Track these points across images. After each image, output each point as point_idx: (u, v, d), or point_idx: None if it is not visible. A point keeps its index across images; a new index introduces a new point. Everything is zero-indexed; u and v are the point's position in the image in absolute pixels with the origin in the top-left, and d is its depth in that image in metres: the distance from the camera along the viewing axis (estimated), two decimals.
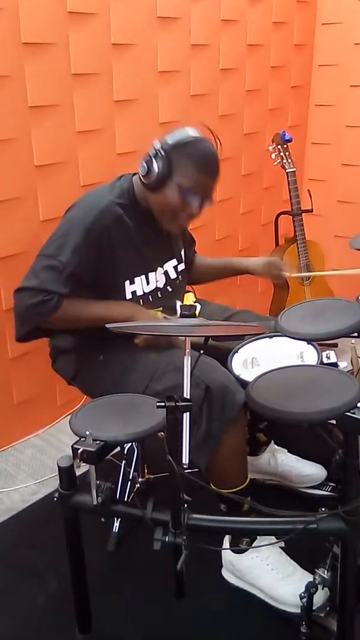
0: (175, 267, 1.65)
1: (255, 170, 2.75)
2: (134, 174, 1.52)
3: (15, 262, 1.83)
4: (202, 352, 1.35)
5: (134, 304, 1.50)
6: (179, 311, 1.65)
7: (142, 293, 1.53)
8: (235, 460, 1.42)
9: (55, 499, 1.19)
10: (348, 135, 2.82)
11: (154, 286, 1.56)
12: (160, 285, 1.58)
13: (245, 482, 1.42)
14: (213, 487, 1.38)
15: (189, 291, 1.72)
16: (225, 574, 1.53)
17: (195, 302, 1.57)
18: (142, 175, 1.43)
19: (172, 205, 1.44)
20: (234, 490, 1.39)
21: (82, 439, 1.06)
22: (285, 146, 2.43)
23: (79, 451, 1.04)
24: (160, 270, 1.58)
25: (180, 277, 1.66)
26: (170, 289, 1.61)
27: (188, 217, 1.49)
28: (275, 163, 2.45)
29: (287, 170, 2.43)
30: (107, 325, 1.15)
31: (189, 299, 1.70)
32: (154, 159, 1.40)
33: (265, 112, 2.71)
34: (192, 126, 1.47)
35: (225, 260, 1.88)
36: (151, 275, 1.55)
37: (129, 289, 1.50)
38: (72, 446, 1.05)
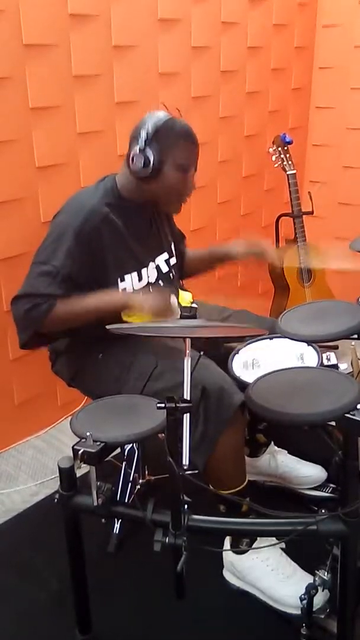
0: (167, 261, 1.65)
1: (255, 172, 2.75)
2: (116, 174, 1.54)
3: (16, 263, 1.84)
4: (201, 353, 1.36)
5: (124, 292, 1.50)
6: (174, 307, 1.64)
7: (132, 290, 1.53)
8: (233, 461, 1.42)
9: (55, 500, 1.19)
10: (348, 137, 2.83)
11: (146, 282, 1.56)
12: (152, 279, 1.59)
13: (243, 483, 1.42)
14: (212, 488, 1.38)
15: (185, 290, 1.72)
16: (226, 574, 1.53)
17: (192, 302, 1.57)
18: (139, 169, 1.43)
19: (176, 184, 1.47)
20: (232, 491, 1.39)
21: (83, 440, 1.06)
22: (285, 148, 2.43)
23: (80, 452, 1.04)
24: (152, 265, 1.59)
25: (172, 271, 1.67)
26: (162, 284, 1.62)
27: (189, 191, 1.52)
28: (276, 165, 2.46)
29: (287, 172, 2.44)
30: (108, 327, 1.15)
31: (187, 299, 1.70)
32: (146, 148, 1.42)
33: (266, 114, 2.72)
34: (153, 108, 1.49)
35: (208, 249, 1.84)
36: (143, 271, 1.55)
37: (120, 286, 1.51)
38: (72, 447, 1.05)
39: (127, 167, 1.47)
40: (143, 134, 1.42)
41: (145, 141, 1.41)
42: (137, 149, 1.42)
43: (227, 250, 1.74)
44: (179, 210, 1.56)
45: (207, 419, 1.34)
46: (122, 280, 1.50)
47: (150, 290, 1.57)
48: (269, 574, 1.44)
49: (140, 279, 1.54)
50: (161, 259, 1.63)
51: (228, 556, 1.51)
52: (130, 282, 1.52)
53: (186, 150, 1.46)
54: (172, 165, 1.44)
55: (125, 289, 1.51)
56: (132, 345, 1.48)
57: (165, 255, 1.64)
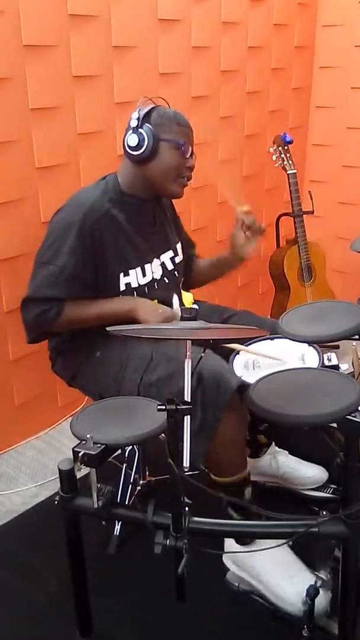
0: (172, 259, 1.65)
1: (256, 172, 2.75)
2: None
3: (16, 264, 1.83)
4: (202, 353, 1.35)
5: (133, 297, 1.51)
6: (175, 305, 1.65)
7: (137, 285, 1.53)
8: (233, 447, 1.41)
9: (56, 502, 1.18)
10: (349, 137, 2.82)
11: (150, 277, 1.57)
12: (157, 276, 1.59)
13: (244, 470, 1.42)
14: (212, 476, 1.37)
15: (187, 291, 1.72)
16: (227, 563, 1.51)
17: (193, 303, 1.57)
18: (134, 147, 1.45)
19: (173, 162, 1.48)
20: (234, 477, 1.39)
21: (83, 442, 1.05)
22: (286, 148, 2.43)
23: (80, 454, 1.03)
24: (156, 261, 1.59)
25: (177, 269, 1.67)
26: (167, 281, 1.62)
27: (189, 170, 1.53)
28: (276, 165, 2.45)
29: (288, 172, 2.43)
30: (109, 329, 1.15)
31: (188, 300, 1.69)
32: (139, 128, 1.44)
33: (266, 114, 2.71)
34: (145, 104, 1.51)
35: (215, 257, 1.84)
36: (147, 266, 1.56)
37: (123, 280, 1.51)
38: (72, 449, 1.04)
39: (125, 155, 1.48)
40: (135, 116, 1.44)
41: (138, 121, 1.44)
42: (130, 130, 1.45)
43: (225, 255, 1.71)
44: (180, 194, 1.56)
45: (205, 405, 1.32)
46: (126, 274, 1.51)
47: (156, 287, 1.58)
48: (274, 570, 1.43)
49: (144, 274, 1.55)
50: (166, 257, 1.63)
51: (232, 546, 1.50)
52: (135, 277, 1.53)
53: (179, 131, 1.48)
54: (167, 143, 1.46)
55: (129, 283, 1.52)
56: (129, 341, 1.49)
57: (170, 253, 1.65)
